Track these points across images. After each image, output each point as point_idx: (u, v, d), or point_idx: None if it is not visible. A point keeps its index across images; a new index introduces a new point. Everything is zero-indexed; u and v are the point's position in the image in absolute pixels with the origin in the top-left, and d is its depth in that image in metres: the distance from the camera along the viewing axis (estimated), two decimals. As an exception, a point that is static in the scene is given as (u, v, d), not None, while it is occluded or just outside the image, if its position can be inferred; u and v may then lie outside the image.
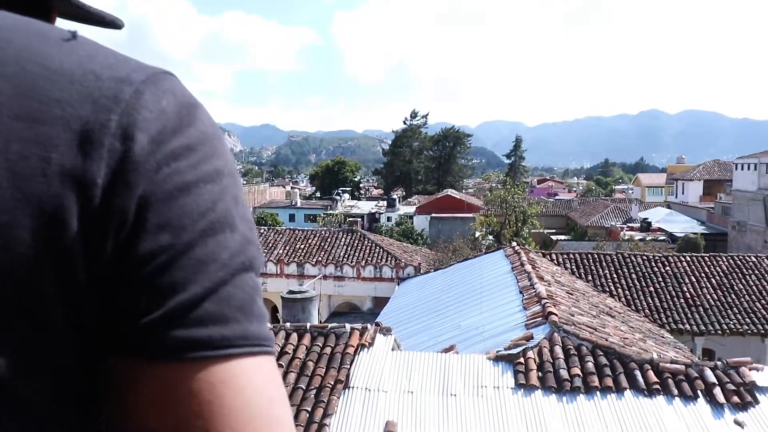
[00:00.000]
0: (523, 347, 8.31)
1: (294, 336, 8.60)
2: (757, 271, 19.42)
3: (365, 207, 63.78)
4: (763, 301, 18.16)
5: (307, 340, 8.50)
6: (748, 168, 47.27)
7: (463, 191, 72.53)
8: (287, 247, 25.43)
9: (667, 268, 19.65)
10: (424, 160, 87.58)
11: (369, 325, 8.75)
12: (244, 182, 79.88)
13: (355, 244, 25.39)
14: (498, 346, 8.65)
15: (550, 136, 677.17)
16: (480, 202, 47.20)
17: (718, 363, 8.15)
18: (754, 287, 18.72)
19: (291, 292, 13.48)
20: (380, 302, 20.16)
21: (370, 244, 25.30)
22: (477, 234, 35.88)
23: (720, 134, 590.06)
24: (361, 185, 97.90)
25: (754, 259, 20.30)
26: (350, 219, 39.67)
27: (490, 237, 34.98)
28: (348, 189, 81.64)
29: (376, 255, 24.35)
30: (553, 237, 48.57)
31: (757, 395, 7.51)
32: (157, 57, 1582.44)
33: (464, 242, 30.26)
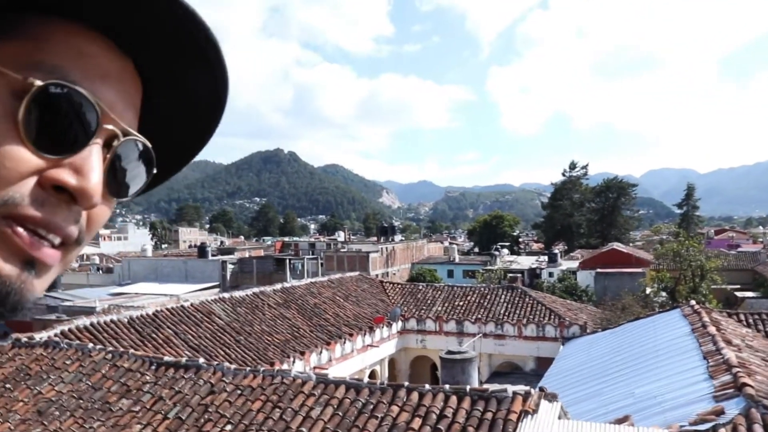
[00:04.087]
0: (713, 423, 7.36)
1: (453, 399, 8.34)
2: None
3: (525, 262, 62.22)
4: None
5: (466, 403, 8.19)
6: None
7: (630, 244, 68.47)
8: (446, 304, 25.30)
9: None
10: (585, 212, 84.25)
11: (532, 390, 8.25)
12: (402, 239, 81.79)
13: (516, 301, 24.62)
14: (681, 420, 7.75)
15: (726, 182, 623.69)
16: (650, 256, 44.12)
17: None
18: None
19: (450, 352, 13.23)
20: (543, 363, 19.21)
21: (531, 301, 24.40)
22: (648, 290, 33.32)
23: None
24: (520, 240, 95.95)
25: None
26: (510, 275, 38.80)
27: (663, 294, 32.31)
28: (507, 244, 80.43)
29: (538, 313, 23.38)
30: (738, 294, 44.11)
31: None
32: (320, 119, 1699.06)
33: (634, 299, 28.13)
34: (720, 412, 7.71)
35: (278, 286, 23.28)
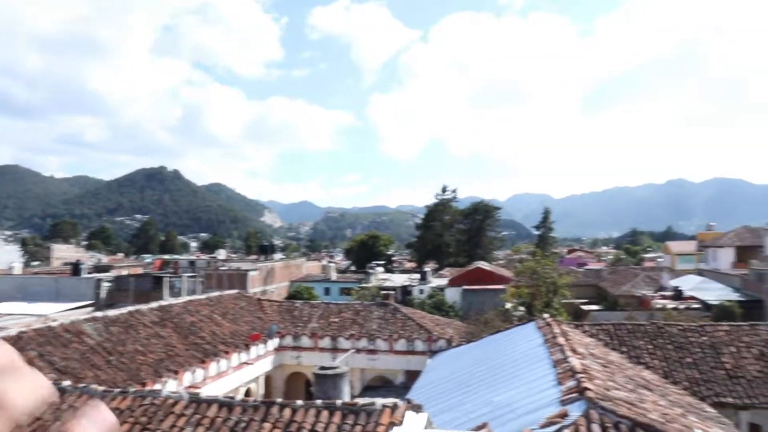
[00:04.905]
0: (559, 426, 8.10)
1: (325, 414, 8.60)
2: (800, 341, 18.74)
3: (398, 280, 63.90)
4: (809, 373, 17.45)
5: (337, 418, 8.49)
6: (783, 234, 46.27)
7: (494, 263, 72.27)
8: (322, 321, 25.52)
9: (704, 337, 19.13)
10: (455, 233, 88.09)
11: (399, 402, 8.71)
12: (282, 257, 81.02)
13: (388, 318, 25.33)
14: (532, 424, 8.44)
15: (577, 207, 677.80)
16: (510, 274, 46.89)
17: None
18: (798, 358, 18.04)
19: (323, 368, 13.47)
20: (413, 375, 19.93)
21: (402, 317, 25.22)
22: (508, 305, 35.52)
23: (747, 201, 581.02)
24: (393, 258, 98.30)
25: (796, 328, 19.62)
26: (384, 292, 39.71)
27: (522, 308, 34.58)
28: (381, 262, 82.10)
29: (408, 328, 24.21)
30: (585, 307, 47.88)
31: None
32: (208, 138, 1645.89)
33: (495, 314, 29.96)
34: (565, 415, 8.51)
35: (155, 304, 22.41)
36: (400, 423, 8.22)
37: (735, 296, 48.01)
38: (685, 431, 8.31)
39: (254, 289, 51.82)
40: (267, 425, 8.50)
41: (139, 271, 60.18)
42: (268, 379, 23.44)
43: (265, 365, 22.89)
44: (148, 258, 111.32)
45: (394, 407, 8.51)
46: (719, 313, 40.44)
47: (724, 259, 61.90)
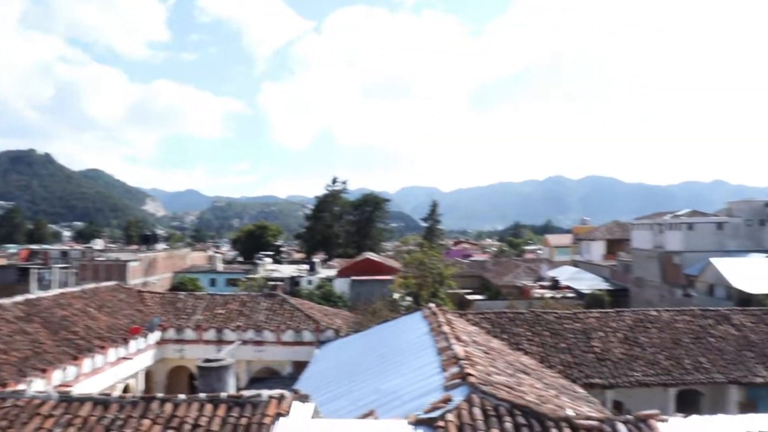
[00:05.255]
0: (443, 410, 8.27)
1: (209, 407, 8.30)
2: (657, 324, 20.57)
3: (286, 271, 63.31)
4: (664, 353, 19.17)
5: (222, 411, 8.22)
6: (644, 228, 50.59)
7: (382, 254, 73.29)
8: (206, 313, 24.72)
9: (577, 324, 20.47)
10: (344, 224, 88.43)
11: (286, 393, 8.58)
12: (167, 247, 77.63)
13: (276, 308, 24.99)
14: (417, 410, 8.57)
15: (464, 200, 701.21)
16: (399, 265, 47.80)
17: (629, 417, 8.39)
18: (656, 339, 19.79)
19: (207, 360, 13.01)
20: (300, 366, 19.80)
21: (290, 308, 24.97)
22: (396, 295, 36.12)
23: (618, 198, 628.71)
24: (282, 249, 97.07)
25: (654, 313, 21.51)
26: (271, 283, 39.11)
27: (409, 298, 35.28)
28: (270, 253, 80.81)
29: (296, 319, 24.03)
30: (469, 297, 49.69)
31: (664, 446, 7.80)
32: (84, 121, 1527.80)
33: (383, 304, 30.39)
34: (448, 400, 8.72)
35: (20, 297, 20.68)
36: (287, 414, 8.09)
37: (605, 285, 51.93)
38: (558, 411, 8.77)
39: (135, 280, 49.65)
40: (146, 422, 8.07)
41: (2, 262, 55.45)
42: (149, 374, 22.40)
43: (146, 360, 21.83)
44: (12, 248, 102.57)
45: (281, 398, 8.37)
46: (591, 301, 43.52)
47: (596, 251, 66.61)
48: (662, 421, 8.32)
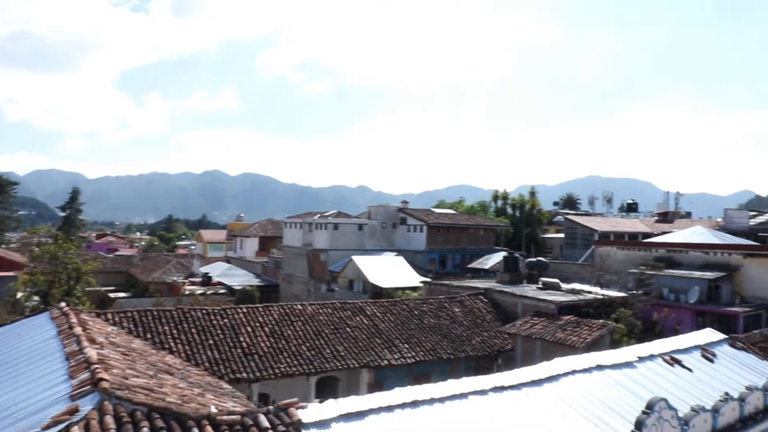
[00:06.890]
0: (67, 423, 7.25)
1: None
2: (302, 317, 21.82)
3: None
4: (307, 344, 20.38)
5: None
6: (295, 227, 53.85)
7: (5, 246, 63.23)
8: None
9: (226, 320, 20.41)
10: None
11: None
12: None
13: None
14: (35, 426, 7.36)
15: (112, 189, 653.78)
16: (25, 259, 41.72)
17: (271, 408, 8.58)
18: (300, 332, 20.93)
19: None
20: None
21: None
22: (19, 295, 31.32)
23: (274, 196, 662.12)
24: None
25: (300, 307, 22.78)
26: None
27: (36, 298, 30.97)
28: None
29: None
30: (112, 294, 46.45)
31: (304, 432, 8.14)
32: None
33: (2, 305, 25.93)
34: (75, 411, 7.67)
35: None
36: None
37: (256, 281, 53.59)
38: (202, 409, 8.45)
39: None
40: None
41: None
42: None
43: None
44: None
45: None
46: (241, 296, 44.40)
47: (250, 247, 68.42)
48: (301, 408, 8.72)
